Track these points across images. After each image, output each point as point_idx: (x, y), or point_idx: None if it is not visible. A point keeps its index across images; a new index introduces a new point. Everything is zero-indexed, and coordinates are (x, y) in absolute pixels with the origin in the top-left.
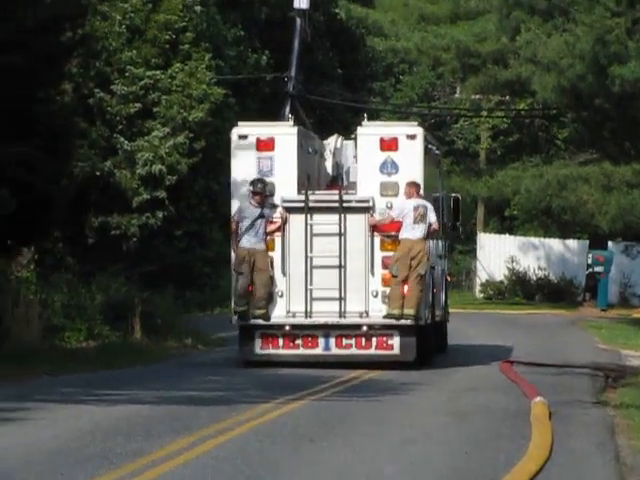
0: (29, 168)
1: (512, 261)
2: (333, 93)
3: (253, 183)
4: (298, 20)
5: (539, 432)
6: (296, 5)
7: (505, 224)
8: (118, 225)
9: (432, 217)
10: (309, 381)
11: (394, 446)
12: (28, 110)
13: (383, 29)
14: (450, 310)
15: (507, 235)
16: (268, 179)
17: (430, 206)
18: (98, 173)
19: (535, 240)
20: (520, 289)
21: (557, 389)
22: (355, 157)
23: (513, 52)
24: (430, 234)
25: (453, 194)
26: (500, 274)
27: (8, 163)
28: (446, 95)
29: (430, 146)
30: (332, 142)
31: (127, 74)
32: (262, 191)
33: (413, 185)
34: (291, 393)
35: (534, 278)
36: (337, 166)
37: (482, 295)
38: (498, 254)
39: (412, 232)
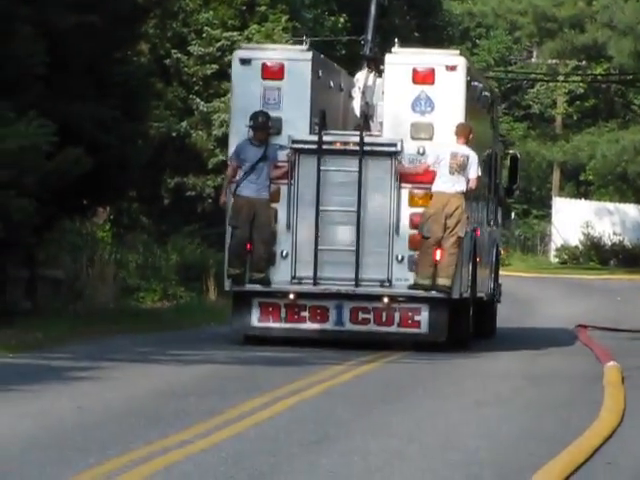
0: (105, 128)
1: (587, 226)
2: None
3: (254, 117)
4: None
5: (611, 396)
6: None
7: (580, 189)
8: (194, 186)
9: (472, 171)
10: (382, 344)
11: (467, 408)
12: (105, 71)
13: None
14: (525, 274)
15: (582, 200)
16: (275, 114)
17: (474, 157)
18: (174, 134)
19: (610, 205)
20: (595, 254)
21: (632, 354)
22: (383, 93)
23: (590, 17)
24: (468, 191)
25: (511, 151)
26: (575, 239)
27: (85, 123)
28: (522, 59)
29: (476, 84)
30: (362, 78)
31: (204, 35)
32: (264, 126)
33: (465, 128)
34: (363, 355)
35: (609, 243)
36: (367, 107)
37: (557, 260)
38: (573, 219)
39: (448, 184)
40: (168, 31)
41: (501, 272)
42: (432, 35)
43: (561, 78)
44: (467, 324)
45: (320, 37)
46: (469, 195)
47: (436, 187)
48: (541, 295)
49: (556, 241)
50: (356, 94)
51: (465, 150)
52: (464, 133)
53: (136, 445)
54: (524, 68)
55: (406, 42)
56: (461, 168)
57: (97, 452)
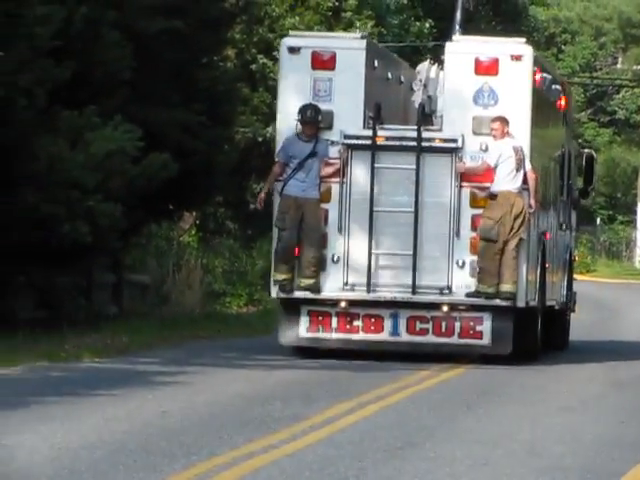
0: (192, 133)
1: None
2: None
3: (302, 110)
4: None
5: None
6: None
7: None
8: None
9: (528, 164)
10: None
11: (551, 414)
12: (191, 76)
13: None
14: (608, 280)
15: None
16: (326, 107)
17: (524, 150)
18: (260, 139)
19: None
20: None
21: None
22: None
23: None
24: (530, 188)
25: (586, 150)
26: None
27: (171, 128)
28: (608, 65)
29: (544, 75)
30: (424, 70)
31: None
32: (314, 120)
33: (503, 121)
34: (447, 362)
35: None
36: (429, 101)
37: None
38: None
39: (513, 183)
40: (254, 36)
41: (585, 278)
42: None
43: None
44: (535, 335)
45: (406, 43)
46: (533, 193)
47: (499, 186)
48: (626, 300)
49: None
50: (417, 87)
51: (518, 143)
52: (506, 126)
53: (221, 450)
54: (609, 74)
55: None
56: (521, 164)
57: (182, 457)
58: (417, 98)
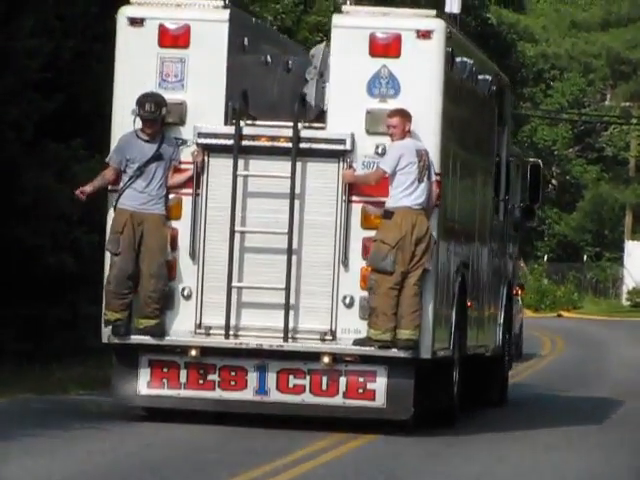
0: None
1: None
2: None
3: (140, 101)
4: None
5: None
6: (447, 9)
7: None
8: None
9: (432, 174)
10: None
11: (538, 451)
12: None
13: (534, 35)
14: (594, 317)
15: None
16: (175, 96)
17: (432, 154)
18: None
19: None
20: None
21: None
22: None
23: None
24: (433, 202)
25: (531, 159)
26: None
27: None
28: (596, 102)
29: (465, 60)
30: (319, 54)
31: None
32: (154, 116)
33: (403, 116)
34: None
35: None
36: (319, 91)
37: (629, 303)
38: None
39: (414, 196)
40: None
41: (571, 315)
42: (505, 76)
43: (635, 121)
44: (448, 393)
45: None
46: (433, 206)
47: (396, 201)
48: (609, 338)
49: (628, 284)
50: (311, 76)
51: (423, 145)
52: (408, 121)
53: None
54: (598, 110)
55: None
56: (426, 171)
57: None
58: (311, 89)
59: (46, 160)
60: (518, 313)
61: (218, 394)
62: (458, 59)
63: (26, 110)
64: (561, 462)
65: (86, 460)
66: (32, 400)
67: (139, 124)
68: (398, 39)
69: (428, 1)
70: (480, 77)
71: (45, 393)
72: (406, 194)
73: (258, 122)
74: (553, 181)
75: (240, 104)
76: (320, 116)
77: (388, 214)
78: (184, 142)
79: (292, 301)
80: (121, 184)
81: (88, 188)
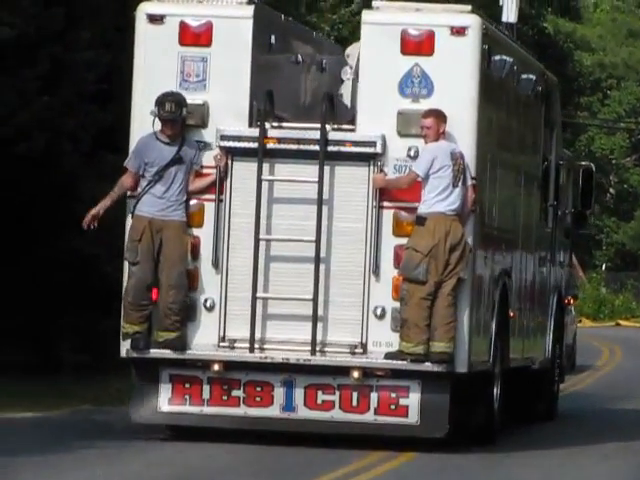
0: None
1: None
2: None
3: (160, 101)
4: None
5: None
6: (504, 19)
7: None
8: None
9: (469, 177)
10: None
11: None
12: None
13: (591, 44)
14: None
15: None
16: (197, 96)
17: (468, 157)
18: None
19: None
20: None
21: None
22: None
23: None
24: (468, 208)
25: (583, 163)
26: None
27: None
28: None
29: (503, 58)
30: (354, 53)
31: None
32: (174, 116)
33: (438, 116)
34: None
35: None
36: (352, 90)
37: None
38: None
39: (448, 201)
40: None
41: (629, 324)
42: (562, 85)
43: None
44: (487, 409)
45: None
46: (469, 212)
47: (430, 206)
48: None
49: None
50: (347, 76)
51: (458, 147)
52: (443, 122)
53: None
54: None
55: None
56: (461, 175)
57: None
58: (347, 91)
59: (103, 171)
60: (571, 323)
61: (243, 411)
62: (496, 57)
63: (83, 122)
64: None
65: (144, 473)
66: (90, 411)
67: (159, 126)
68: (431, 36)
69: (485, 11)
70: (523, 77)
71: (104, 404)
72: (440, 199)
73: (284, 124)
74: (611, 190)
75: (265, 105)
76: (345, 115)
77: (421, 220)
78: (206, 145)
79: (320, 312)
80: (139, 189)
81: (95, 211)
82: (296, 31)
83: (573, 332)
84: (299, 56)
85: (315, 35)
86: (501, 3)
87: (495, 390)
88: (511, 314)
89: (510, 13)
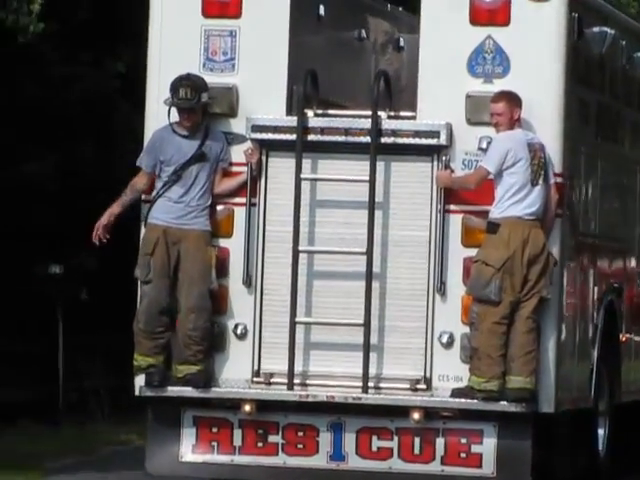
0: None
1: None
2: None
3: (175, 86)
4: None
5: None
6: None
7: None
8: None
9: (552, 173)
10: None
11: None
12: None
13: None
14: None
15: None
16: (223, 79)
17: (551, 150)
18: None
19: None
20: None
21: None
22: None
23: None
24: (552, 212)
25: None
26: None
27: None
28: None
29: (603, 30)
30: None
31: None
32: (191, 104)
33: (511, 100)
34: None
35: None
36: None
37: None
38: None
39: (525, 203)
40: None
41: None
42: None
43: None
44: (592, 454)
45: None
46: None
47: (502, 210)
48: None
49: None
50: None
51: (536, 137)
52: (518, 107)
53: None
54: None
55: None
56: (542, 170)
57: None
58: None
59: None
60: None
61: (282, 460)
62: (594, 28)
63: None
64: None
65: None
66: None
67: (176, 117)
68: (507, 3)
69: None
70: (627, 53)
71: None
72: (515, 200)
73: (330, 111)
74: None
75: (305, 88)
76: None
77: (492, 227)
78: (235, 138)
79: (374, 341)
80: (154, 192)
81: (106, 220)
82: (360, 2)
83: None
84: (362, 32)
85: (390, 8)
86: None
87: (600, 431)
88: (622, 338)
89: None
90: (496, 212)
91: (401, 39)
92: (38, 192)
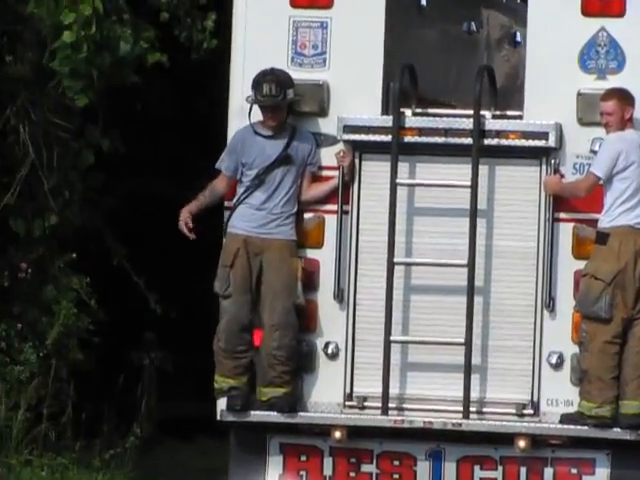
0: None
1: None
2: None
3: (258, 82)
4: None
5: None
6: None
7: None
8: None
9: None
10: None
11: None
12: None
13: None
14: None
15: None
16: (314, 75)
17: None
18: None
19: None
20: None
21: None
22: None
23: None
24: None
25: None
26: None
27: None
28: None
29: None
30: None
31: None
32: (275, 101)
33: (623, 98)
34: None
35: None
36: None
37: None
38: None
39: (638, 211)
40: None
41: None
42: None
43: None
44: None
45: None
46: None
47: (612, 218)
48: None
49: None
50: None
51: None
52: (627, 103)
53: None
54: None
55: None
56: None
57: None
58: None
59: None
60: None
61: None
62: None
63: None
64: None
65: None
66: None
67: (259, 116)
68: None
69: None
70: None
71: None
72: (626, 208)
73: (430, 110)
74: None
75: (402, 85)
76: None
77: (602, 237)
78: (326, 139)
79: (476, 361)
80: (235, 198)
81: (187, 212)
82: None
83: None
84: (473, 25)
85: (506, 0)
86: None
87: None
88: None
89: None
90: (605, 221)
91: (517, 33)
92: None
